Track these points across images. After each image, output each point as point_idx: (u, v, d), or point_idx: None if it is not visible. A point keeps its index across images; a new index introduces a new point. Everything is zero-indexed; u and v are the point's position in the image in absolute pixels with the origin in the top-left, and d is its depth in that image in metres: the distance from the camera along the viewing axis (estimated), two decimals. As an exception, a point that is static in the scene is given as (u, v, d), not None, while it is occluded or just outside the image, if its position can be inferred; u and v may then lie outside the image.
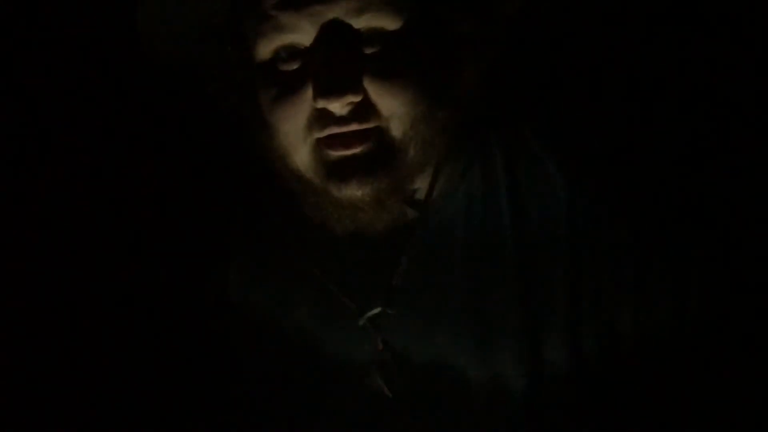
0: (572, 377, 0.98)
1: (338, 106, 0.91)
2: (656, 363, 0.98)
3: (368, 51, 0.92)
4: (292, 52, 0.93)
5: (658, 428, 0.97)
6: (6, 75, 1.19)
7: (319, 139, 0.94)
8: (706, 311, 0.97)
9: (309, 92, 0.92)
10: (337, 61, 0.91)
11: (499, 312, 0.99)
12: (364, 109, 0.92)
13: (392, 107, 0.93)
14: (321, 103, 0.91)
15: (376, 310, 1.00)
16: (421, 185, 1.00)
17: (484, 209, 1.02)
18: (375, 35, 0.92)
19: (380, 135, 0.93)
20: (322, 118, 0.93)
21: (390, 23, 0.92)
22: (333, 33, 0.91)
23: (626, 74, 1.17)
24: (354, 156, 0.93)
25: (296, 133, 0.94)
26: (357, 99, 0.91)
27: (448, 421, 0.99)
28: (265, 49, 0.94)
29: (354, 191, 0.94)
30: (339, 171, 0.94)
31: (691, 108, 1.16)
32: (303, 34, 0.92)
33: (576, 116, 1.10)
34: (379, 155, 0.94)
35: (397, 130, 0.94)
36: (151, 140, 1.17)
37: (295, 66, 0.94)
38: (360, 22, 0.91)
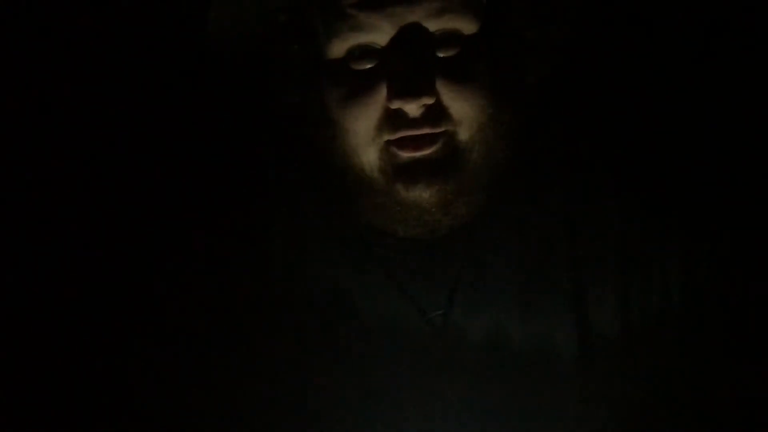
0: (619, 348, 1.00)
1: (413, 108, 0.92)
2: (703, 334, 1.00)
3: (443, 54, 0.93)
4: (366, 51, 0.93)
5: (702, 400, 1.00)
6: (73, 70, 1.20)
7: (389, 141, 0.94)
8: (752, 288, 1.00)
9: (382, 92, 0.93)
10: (413, 63, 0.91)
11: (545, 291, 1.01)
12: (436, 112, 0.93)
13: (464, 111, 0.94)
14: (396, 104, 0.92)
15: (440, 312, 1.01)
16: (482, 188, 1.00)
17: (538, 205, 1.04)
18: (450, 38, 0.93)
19: (449, 138, 0.94)
20: (394, 119, 0.93)
21: (466, 26, 0.93)
22: (410, 34, 0.92)
23: (676, 81, 1.20)
24: (423, 158, 0.94)
25: (366, 133, 0.94)
26: (431, 101, 0.92)
27: (499, 392, 1.00)
28: (338, 47, 0.94)
29: (421, 192, 0.95)
30: (408, 172, 0.94)
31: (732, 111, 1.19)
32: (380, 34, 0.92)
33: (625, 118, 1.13)
34: (447, 158, 0.95)
35: (464, 134, 0.95)
36: (199, 138, 1.16)
37: (368, 65, 0.94)
38: (437, 24, 0.92)
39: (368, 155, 0.95)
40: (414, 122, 0.93)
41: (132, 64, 1.20)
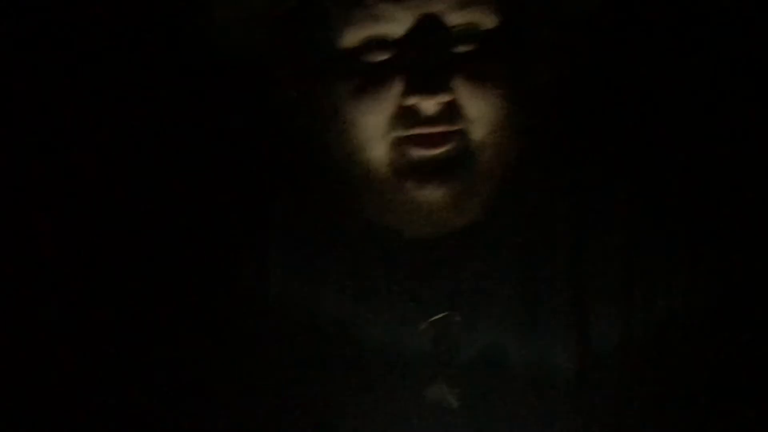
0: (620, 362, 0.98)
1: (430, 105, 0.89)
2: (706, 348, 0.99)
3: (461, 50, 0.91)
4: (381, 42, 0.90)
5: (705, 412, 0.98)
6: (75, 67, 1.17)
7: (399, 137, 0.91)
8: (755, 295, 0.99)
9: (397, 86, 0.90)
10: (432, 58, 0.89)
11: (547, 297, 0.99)
12: (452, 111, 0.91)
13: (479, 109, 0.91)
14: (413, 100, 0.89)
15: (442, 315, 0.98)
16: (491, 188, 0.97)
17: (542, 206, 1.02)
18: (468, 34, 0.91)
19: (462, 137, 0.92)
20: (408, 115, 0.90)
21: (486, 21, 0.91)
22: (429, 28, 0.89)
23: (689, 88, 1.19)
24: (435, 157, 0.91)
25: (376, 128, 0.91)
26: (448, 99, 0.90)
27: (497, 413, 0.98)
28: (352, 37, 0.91)
29: (433, 191, 0.92)
30: (420, 171, 0.92)
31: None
32: (397, 24, 0.89)
33: (634, 124, 1.12)
34: (459, 157, 0.92)
35: (478, 132, 0.92)
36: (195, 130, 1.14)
37: (382, 57, 0.91)
38: (458, 18, 0.90)
39: (377, 151, 0.92)
40: (430, 120, 0.90)
41: (128, 61, 1.18)
